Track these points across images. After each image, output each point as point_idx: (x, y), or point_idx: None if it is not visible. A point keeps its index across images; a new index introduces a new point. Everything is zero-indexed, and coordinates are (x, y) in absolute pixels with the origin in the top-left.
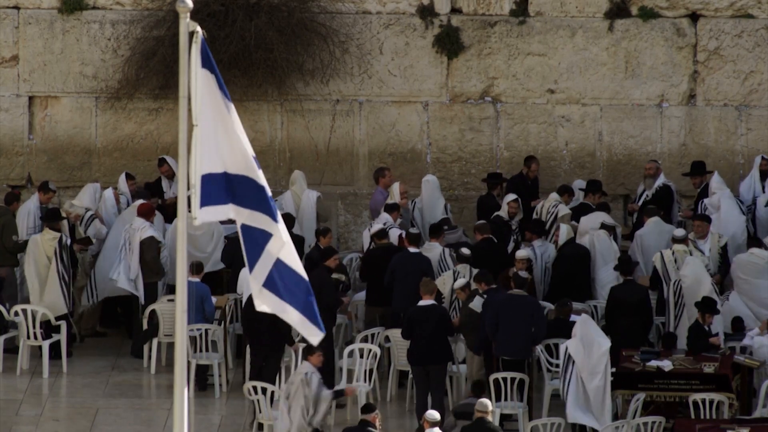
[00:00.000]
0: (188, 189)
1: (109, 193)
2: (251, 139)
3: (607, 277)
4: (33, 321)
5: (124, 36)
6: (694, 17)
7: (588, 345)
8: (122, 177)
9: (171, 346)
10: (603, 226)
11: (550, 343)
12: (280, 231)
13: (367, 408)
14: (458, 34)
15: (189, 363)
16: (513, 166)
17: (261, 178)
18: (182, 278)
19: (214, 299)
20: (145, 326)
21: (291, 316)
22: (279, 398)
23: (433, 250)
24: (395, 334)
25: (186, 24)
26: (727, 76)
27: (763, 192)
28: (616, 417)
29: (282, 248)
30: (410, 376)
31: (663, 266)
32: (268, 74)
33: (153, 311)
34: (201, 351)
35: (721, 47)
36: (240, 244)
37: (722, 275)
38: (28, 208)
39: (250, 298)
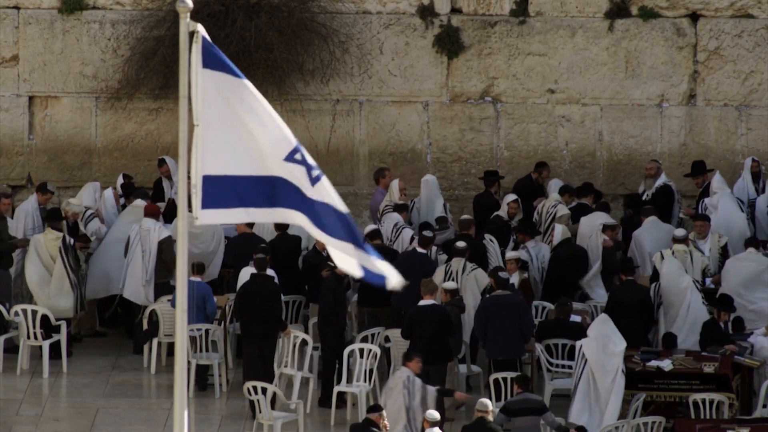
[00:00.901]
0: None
1: (108, 192)
2: None
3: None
4: (33, 321)
5: (124, 36)
6: (694, 17)
7: (604, 344)
8: (120, 178)
9: (171, 346)
10: (604, 227)
11: (550, 343)
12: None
13: (374, 408)
14: (458, 34)
15: (189, 363)
16: (513, 166)
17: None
18: (182, 278)
19: (215, 299)
20: (145, 326)
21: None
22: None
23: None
24: (395, 334)
25: (186, 24)
26: (727, 76)
27: (757, 193)
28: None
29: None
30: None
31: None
32: (268, 74)
33: (153, 311)
34: (201, 351)
35: (721, 47)
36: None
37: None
38: (26, 209)
39: (242, 288)
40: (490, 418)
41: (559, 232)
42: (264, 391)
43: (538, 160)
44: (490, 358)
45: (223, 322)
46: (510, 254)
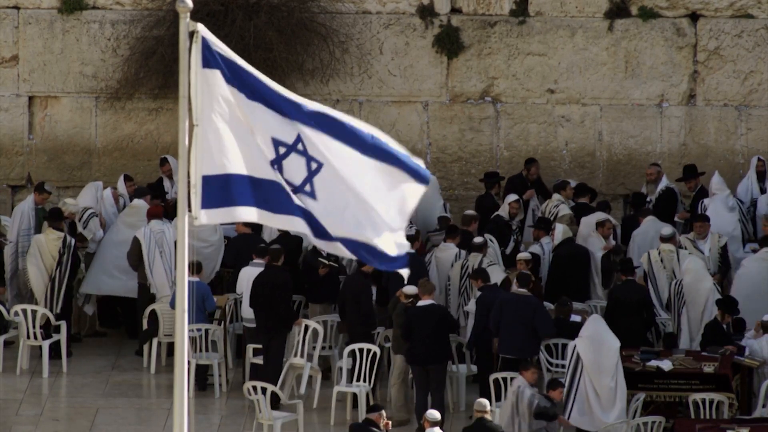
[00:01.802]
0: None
1: (107, 193)
2: None
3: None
4: (33, 321)
5: (124, 36)
6: (694, 17)
7: (598, 344)
8: (121, 179)
9: (171, 346)
10: (596, 224)
11: (550, 343)
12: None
13: (373, 408)
14: (458, 34)
15: (189, 363)
16: (513, 166)
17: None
18: (182, 278)
19: (214, 299)
20: (145, 326)
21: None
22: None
23: (447, 250)
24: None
25: (186, 24)
26: (727, 76)
27: (762, 193)
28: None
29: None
30: (410, 376)
31: (650, 266)
32: (268, 74)
33: (153, 311)
34: (201, 351)
35: (721, 47)
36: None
37: (722, 275)
38: (22, 209)
39: (256, 279)
40: (489, 417)
41: (560, 231)
42: (264, 391)
43: (528, 157)
44: (501, 354)
45: (223, 322)
46: (521, 255)
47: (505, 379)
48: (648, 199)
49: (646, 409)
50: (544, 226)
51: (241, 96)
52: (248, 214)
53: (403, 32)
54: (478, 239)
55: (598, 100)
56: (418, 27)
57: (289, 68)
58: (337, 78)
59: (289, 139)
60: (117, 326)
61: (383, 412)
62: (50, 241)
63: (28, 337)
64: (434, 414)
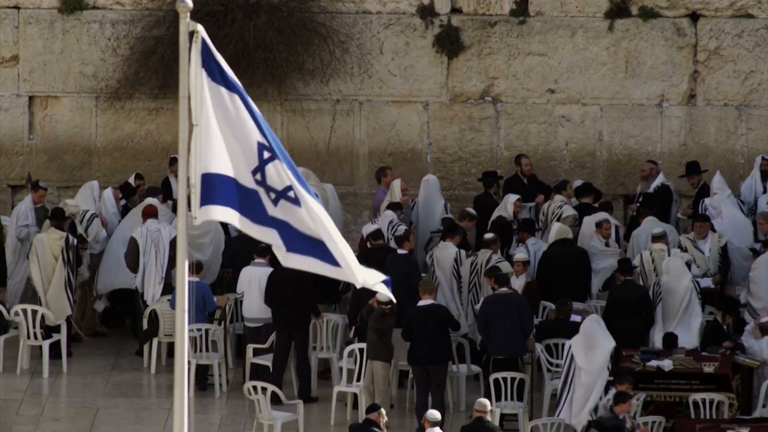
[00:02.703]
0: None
1: (108, 192)
2: None
3: None
4: (33, 321)
5: (124, 36)
6: (694, 17)
7: (591, 345)
8: (131, 178)
9: (171, 346)
10: (596, 224)
11: (550, 343)
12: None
13: (372, 408)
14: (458, 33)
15: (189, 363)
16: (513, 166)
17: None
18: (182, 278)
19: (215, 298)
20: (145, 326)
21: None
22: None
23: (446, 249)
24: (395, 334)
25: (186, 24)
26: (728, 76)
27: (765, 192)
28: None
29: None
30: (410, 376)
31: (642, 267)
32: (268, 74)
33: (153, 311)
34: (201, 351)
35: (722, 47)
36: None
37: (722, 275)
38: (20, 208)
39: (273, 273)
40: (489, 418)
41: (553, 232)
42: (264, 390)
43: (517, 153)
44: (492, 356)
45: (223, 322)
46: (518, 256)
47: (505, 379)
48: (639, 194)
49: (646, 409)
50: (529, 227)
51: (234, 96)
52: (233, 217)
53: (404, 32)
54: (488, 235)
55: (598, 100)
56: (418, 27)
57: (289, 68)
58: (337, 78)
59: (273, 145)
60: (117, 326)
61: (382, 411)
62: (52, 240)
63: (29, 337)
64: (434, 414)
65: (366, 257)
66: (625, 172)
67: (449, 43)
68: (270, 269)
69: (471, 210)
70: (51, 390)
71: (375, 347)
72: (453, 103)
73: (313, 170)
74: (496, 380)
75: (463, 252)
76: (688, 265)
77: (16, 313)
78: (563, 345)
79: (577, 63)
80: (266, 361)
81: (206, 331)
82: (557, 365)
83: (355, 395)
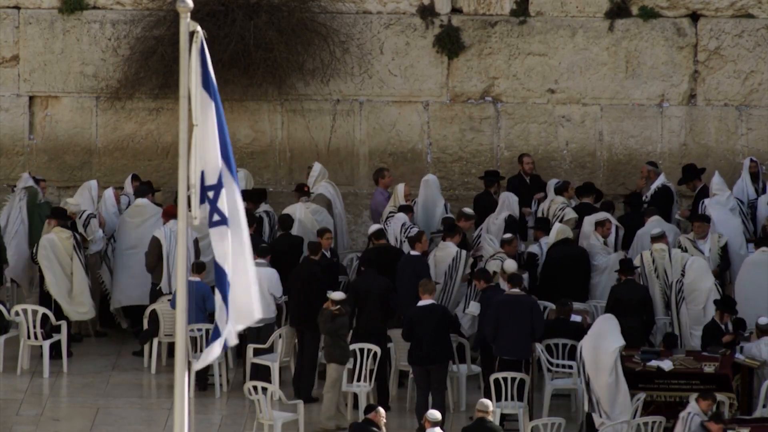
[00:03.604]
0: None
1: (108, 192)
2: (252, 139)
3: None
4: (33, 321)
5: (125, 36)
6: (694, 17)
7: (598, 343)
8: (128, 179)
9: (171, 346)
10: (596, 224)
11: (550, 343)
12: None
13: (370, 408)
14: (458, 34)
15: (189, 363)
16: (513, 165)
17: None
18: (182, 278)
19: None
20: (145, 326)
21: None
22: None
23: (446, 249)
24: (396, 334)
25: (186, 24)
26: (728, 76)
27: (756, 194)
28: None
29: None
30: (410, 376)
31: (643, 267)
32: (268, 74)
33: (153, 311)
34: (201, 351)
35: (722, 47)
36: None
37: (721, 274)
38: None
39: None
40: (491, 418)
41: (554, 232)
42: (264, 390)
43: (518, 153)
44: (498, 356)
45: None
46: (505, 236)
47: (505, 379)
48: (642, 195)
49: (646, 409)
50: (543, 226)
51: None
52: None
53: (404, 32)
54: (507, 235)
55: (598, 100)
56: (418, 27)
57: (289, 68)
58: (337, 78)
59: (213, 179)
60: (117, 326)
61: (380, 410)
62: (63, 240)
63: (29, 337)
64: (435, 414)
65: (368, 257)
66: (626, 172)
67: (449, 43)
68: (270, 269)
69: (468, 210)
70: (51, 390)
71: (329, 350)
72: (453, 103)
73: None
74: (497, 380)
75: (463, 252)
76: None
77: (17, 313)
78: (563, 345)
79: (578, 63)
80: (266, 361)
81: (206, 331)
82: (557, 365)
83: (355, 395)
